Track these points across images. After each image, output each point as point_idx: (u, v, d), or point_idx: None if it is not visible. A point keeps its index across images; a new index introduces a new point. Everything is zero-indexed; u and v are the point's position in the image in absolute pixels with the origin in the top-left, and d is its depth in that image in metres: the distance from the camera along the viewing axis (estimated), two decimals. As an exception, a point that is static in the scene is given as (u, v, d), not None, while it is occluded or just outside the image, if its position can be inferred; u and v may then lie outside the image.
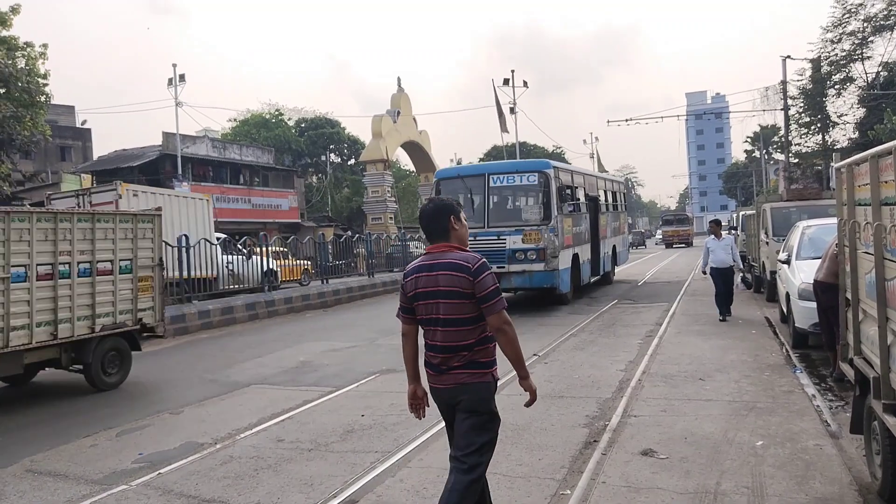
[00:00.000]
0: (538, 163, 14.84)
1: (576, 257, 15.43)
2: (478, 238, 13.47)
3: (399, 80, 46.68)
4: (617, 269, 22.02)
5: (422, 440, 5.68)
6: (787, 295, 9.63)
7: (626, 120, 37.39)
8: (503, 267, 13.55)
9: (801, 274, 9.13)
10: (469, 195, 14.44)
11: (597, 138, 56.12)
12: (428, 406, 3.67)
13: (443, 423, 3.64)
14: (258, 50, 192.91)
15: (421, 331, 3.49)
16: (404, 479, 4.86)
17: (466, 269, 3.29)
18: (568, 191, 15.11)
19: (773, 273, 12.98)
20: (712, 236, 12.78)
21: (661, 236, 59.03)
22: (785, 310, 10.31)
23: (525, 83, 39.94)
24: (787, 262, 10.05)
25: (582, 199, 16.39)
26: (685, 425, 5.82)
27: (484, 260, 3.38)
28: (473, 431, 3.32)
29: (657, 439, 5.46)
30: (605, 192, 19.66)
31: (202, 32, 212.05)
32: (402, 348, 3.59)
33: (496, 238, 13.77)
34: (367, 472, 5.02)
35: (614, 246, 20.28)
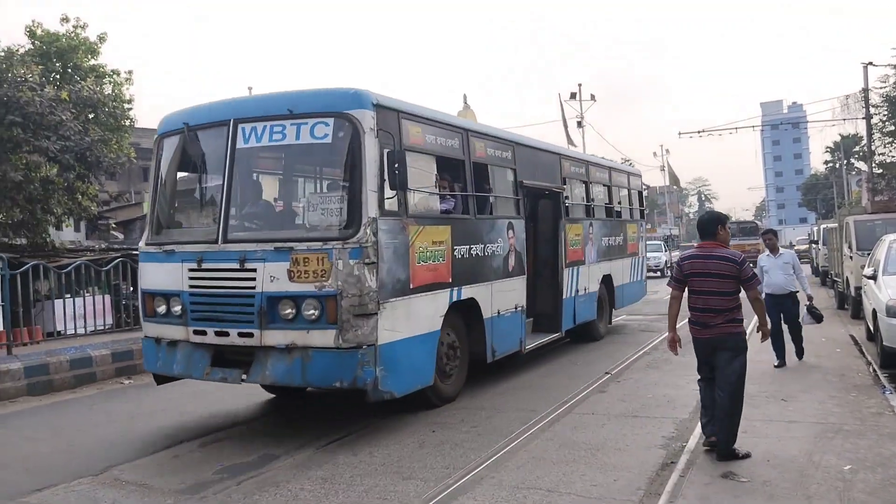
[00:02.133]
0: (335, 94, 6.63)
1: (469, 308, 7.97)
2: (201, 268, 6.60)
3: (465, 97, 47.03)
4: (625, 309, 14.52)
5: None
6: (874, 312, 9.20)
7: (699, 132, 36.39)
8: (249, 335, 6.36)
9: (888, 290, 8.73)
10: (201, 169, 7.22)
11: (667, 151, 55.05)
12: (680, 347, 5.77)
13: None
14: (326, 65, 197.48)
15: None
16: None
17: (734, 261, 5.42)
18: (432, 164, 7.63)
19: (858, 289, 12.40)
20: (766, 252, 9.67)
21: None
22: (871, 327, 9.84)
23: (592, 96, 39.46)
24: (874, 277, 9.62)
25: (495, 186, 8.77)
26: (767, 447, 5.62)
27: (744, 255, 5.67)
28: (737, 361, 5.41)
29: (738, 461, 5.29)
30: (586, 183, 11.91)
31: (272, 50, 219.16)
32: (668, 307, 5.82)
33: (236, 269, 6.40)
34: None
35: (609, 276, 12.61)
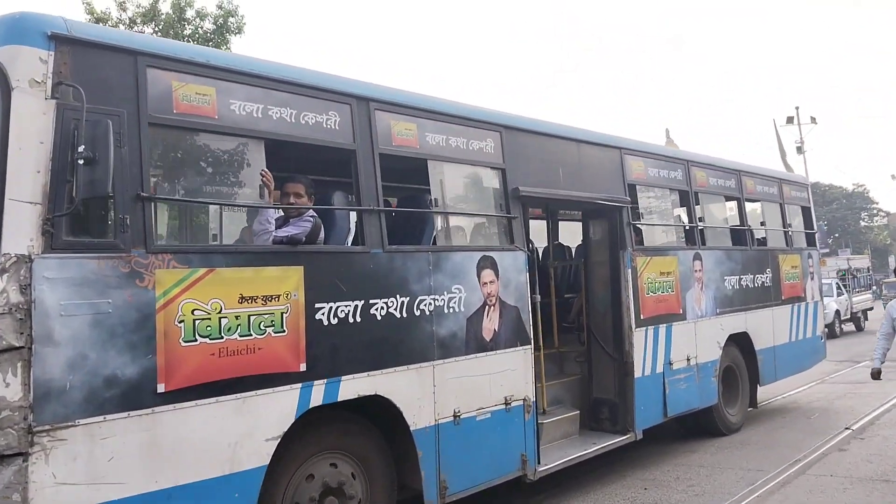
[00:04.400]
0: None
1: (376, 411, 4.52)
2: None
3: (667, 131, 42.91)
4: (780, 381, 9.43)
5: None
6: None
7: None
8: None
9: None
10: None
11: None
12: None
13: None
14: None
15: None
16: None
17: None
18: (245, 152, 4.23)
19: None
20: None
21: None
22: None
23: (813, 119, 34.05)
24: None
25: (447, 192, 5.21)
26: None
27: None
28: None
29: None
30: (688, 194, 7.73)
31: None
32: None
33: None
34: None
35: (744, 334, 8.30)
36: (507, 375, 5.28)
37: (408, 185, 5.43)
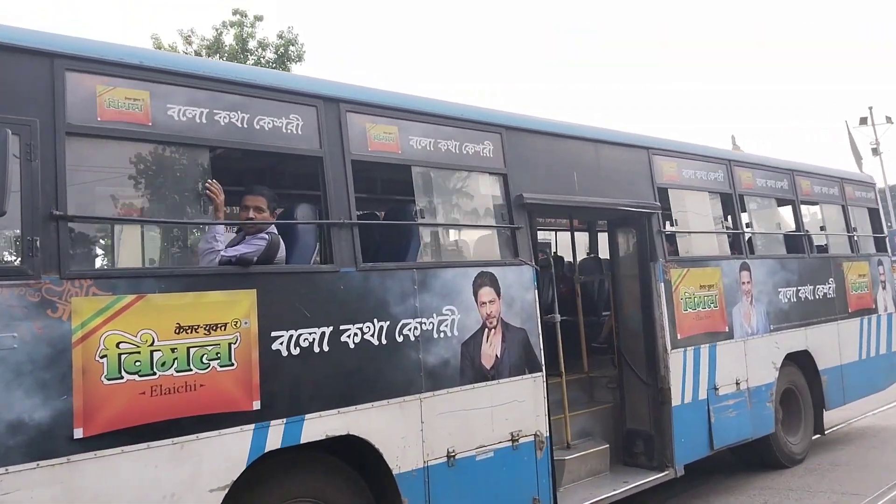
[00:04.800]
0: None
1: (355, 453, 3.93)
2: None
3: (733, 137, 41.49)
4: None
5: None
6: None
7: None
8: None
9: None
10: None
11: None
12: None
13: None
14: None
15: None
16: None
17: None
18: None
19: None
20: None
21: None
22: None
23: (889, 119, 32.37)
24: None
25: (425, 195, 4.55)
26: None
27: None
28: None
29: None
30: (732, 198, 6.88)
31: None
32: None
33: None
34: None
35: (805, 353, 7.35)
36: (514, 408, 4.65)
37: (393, 196, 4.88)
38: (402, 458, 4.02)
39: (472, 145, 4.75)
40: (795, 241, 7.70)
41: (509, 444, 4.60)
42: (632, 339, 6.03)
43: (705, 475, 6.74)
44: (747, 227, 7.12)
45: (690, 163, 6.55)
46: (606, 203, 5.65)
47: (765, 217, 7.59)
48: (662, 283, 5.87)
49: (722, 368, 6.30)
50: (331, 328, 3.79)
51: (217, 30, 17.32)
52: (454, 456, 4.27)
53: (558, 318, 5.71)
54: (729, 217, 7.14)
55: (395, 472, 3.98)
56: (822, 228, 8.29)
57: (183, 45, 17.05)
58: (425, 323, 4.22)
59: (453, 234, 4.93)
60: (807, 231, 7.80)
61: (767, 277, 7.07)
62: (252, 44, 17.45)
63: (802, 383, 7.45)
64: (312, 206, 4.16)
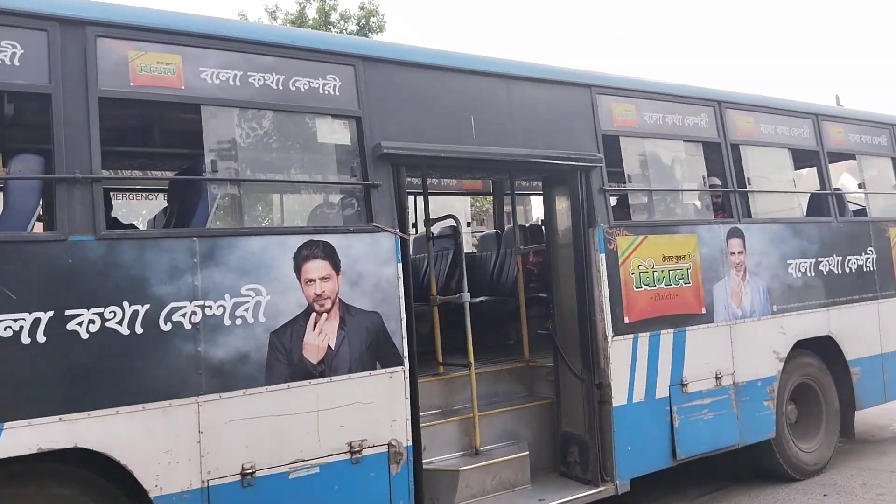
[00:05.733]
0: None
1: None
2: None
3: (837, 97, 38.40)
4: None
5: None
6: None
7: None
8: None
9: None
10: None
11: None
12: None
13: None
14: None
15: None
16: None
17: None
18: None
19: None
20: None
21: None
22: None
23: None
24: None
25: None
26: None
27: None
28: None
29: None
30: (723, 147, 5.52)
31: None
32: None
33: None
34: None
35: (827, 339, 5.92)
36: (355, 412, 3.68)
37: (196, 151, 3.90)
38: (164, 476, 3.15)
39: (306, 80, 3.75)
40: (818, 202, 6.21)
41: (346, 456, 3.64)
42: (567, 323, 4.88)
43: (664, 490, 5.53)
44: (748, 182, 5.72)
45: (657, 104, 5.23)
46: (515, 155, 4.49)
47: (775, 172, 6.12)
48: (604, 254, 4.67)
49: (693, 359, 5.04)
50: (51, 313, 2.95)
51: (301, 4, 17.54)
52: (252, 473, 3.36)
53: (467, 297, 4.67)
54: (728, 174, 5.76)
55: (152, 494, 3.11)
56: (861, 186, 6.70)
57: (268, 19, 17.46)
58: (211, 307, 3.30)
59: (275, 197, 3.96)
60: (834, 189, 6.28)
61: (771, 247, 5.67)
62: (334, 16, 17.63)
63: (823, 376, 6.03)
64: (42, 158, 3.30)
